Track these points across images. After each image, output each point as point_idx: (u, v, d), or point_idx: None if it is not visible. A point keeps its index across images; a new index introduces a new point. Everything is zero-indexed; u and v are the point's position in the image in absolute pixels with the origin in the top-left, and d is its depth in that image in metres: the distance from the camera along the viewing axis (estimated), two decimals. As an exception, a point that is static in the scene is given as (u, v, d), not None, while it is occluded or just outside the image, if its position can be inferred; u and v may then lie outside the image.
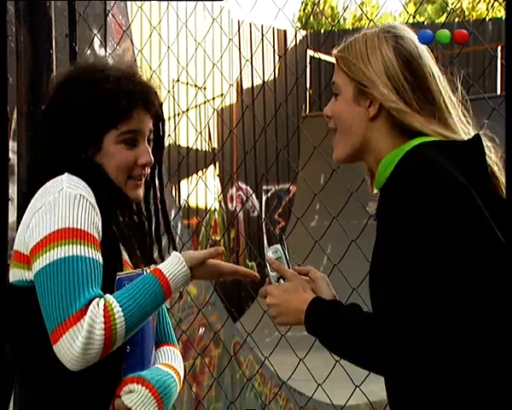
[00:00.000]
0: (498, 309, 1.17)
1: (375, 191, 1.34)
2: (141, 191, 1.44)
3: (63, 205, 1.29)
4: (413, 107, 1.27)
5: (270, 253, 1.34)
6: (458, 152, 1.24)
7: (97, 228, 1.32)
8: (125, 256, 1.41)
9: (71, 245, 1.27)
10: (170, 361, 1.45)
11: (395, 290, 1.14)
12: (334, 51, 1.35)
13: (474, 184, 1.20)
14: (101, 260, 1.30)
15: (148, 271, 1.34)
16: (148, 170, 1.45)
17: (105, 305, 1.25)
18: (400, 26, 1.35)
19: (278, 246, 1.35)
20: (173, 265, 1.34)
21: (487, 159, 1.28)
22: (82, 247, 1.27)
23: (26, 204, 1.37)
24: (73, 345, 1.23)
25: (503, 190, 1.27)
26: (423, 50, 1.32)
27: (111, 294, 1.30)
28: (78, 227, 1.28)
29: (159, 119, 1.48)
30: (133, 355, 1.36)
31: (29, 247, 1.31)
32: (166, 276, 1.32)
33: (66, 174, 1.35)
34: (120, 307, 1.26)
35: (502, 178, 1.29)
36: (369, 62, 1.29)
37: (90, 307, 1.24)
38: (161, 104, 1.48)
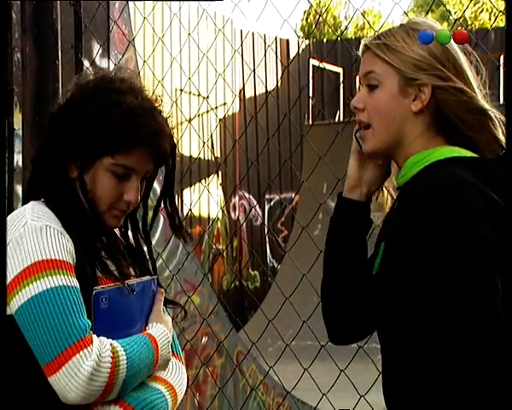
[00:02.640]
0: None
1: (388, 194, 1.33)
2: (119, 222, 1.39)
3: (30, 239, 1.25)
4: (466, 92, 1.24)
5: None
6: (491, 169, 1.22)
7: (70, 252, 1.28)
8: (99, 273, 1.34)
9: (48, 277, 1.23)
10: (165, 374, 1.39)
11: (461, 290, 1.13)
12: (368, 41, 1.30)
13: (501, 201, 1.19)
14: (78, 285, 1.26)
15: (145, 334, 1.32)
16: (131, 207, 1.38)
17: (113, 349, 1.23)
18: (432, 20, 1.33)
19: None
20: (165, 341, 1.34)
21: None
22: (61, 276, 1.24)
23: None
24: (79, 372, 1.20)
25: None
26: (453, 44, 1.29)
27: (87, 309, 1.27)
28: (51, 257, 1.25)
29: (163, 161, 1.40)
30: None
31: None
32: (159, 351, 1.32)
33: (30, 204, 1.32)
34: (127, 359, 1.25)
35: None
36: (414, 50, 1.25)
37: (96, 338, 1.22)
38: (175, 146, 1.40)
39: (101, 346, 1.22)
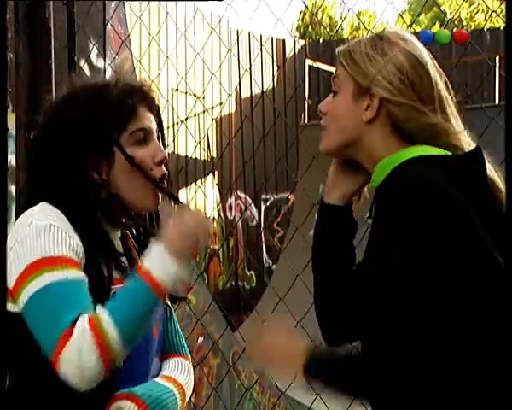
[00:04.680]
0: (495, 332, 1.16)
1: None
2: (159, 200, 1.39)
3: (33, 238, 1.27)
4: (414, 103, 1.26)
5: None
6: (458, 166, 1.23)
7: (73, 249, 1.28)
8: (116, 274, 1.36)
9: (46, 273, 1.24)
10: (174, 374, 1.41)
11: (394, 305, 1.14)
12: (339, 48, 1.34)
13: (472, 198, 1.19)
14: (82, 276, 1.26)
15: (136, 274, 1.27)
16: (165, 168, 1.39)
17: (90, 315, 1.22)
18: (405, 30, 1.35)
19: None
20: (159, 263, 1.25)
21: (488, 169, 1.27)
22: (57, 272, 1.24)
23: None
24: (68, 368, 1.20)
25: (503, 200, 1.26)
26: (429, 57, 1.31)
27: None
28: (51, 255, 1.26)
29: (159, 115, 1.45)
30: (127, 369, 1.32)
31: (10, 284, 1.29)
32: (151, 274, 1.24)
33: (40, 204, 1.33)
34: (108, 313, 1.22)
35: (502, 187, 1.28)
36: (373, 62, 1.28)
37: (77, 324, 1.22)
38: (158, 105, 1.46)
39: (81, 324, 1.21)
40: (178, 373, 1.41)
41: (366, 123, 1.28)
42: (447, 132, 1.28)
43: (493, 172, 1.29)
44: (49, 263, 1.25)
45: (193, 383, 1.44)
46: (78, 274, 1.26)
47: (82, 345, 1.20)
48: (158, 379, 1.37)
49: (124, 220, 1.43)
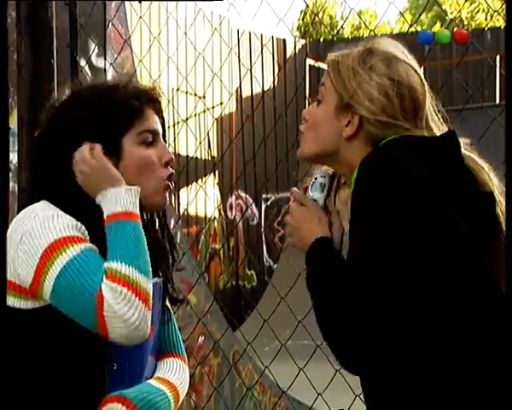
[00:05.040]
0: (457, 305, 1.16)
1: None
2: (167, 196, 1.41)
3: (41, 226, 1.28)
4: (396, 121, 1.26)
5: (318, 174, 1.34)
6: (429, 146, 1.24)
7: (80, 230, 1.30)
8: None
9: (62, 254, 1.25)
10: (168, 375, 1.40)
11: (353, 265, 1.17)
12: (329, 56, 1.33)
13: (446, 177, 1.20)
14: (89, 246, 1.28)
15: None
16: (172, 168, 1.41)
17: (104, 273, 1.24)
18: (397, 45, 1.34)
19: (329, 172, 1.34)
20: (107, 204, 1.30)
21: (463, 149, 1.27)
22: (71, 248, 1.26)
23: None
24: (119, 324, 1.22)
25: (484, 185, 1.26)
26: (417, 71, 1.31)
27: None
28: (61, 235, 1.27)
29: (163, 121, 1.46)
30: (120, 372, 1.32)
31: (28, 280, 1.29)
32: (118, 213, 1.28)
33: (41, 202, 1.33)
34: (115, 260, 1.24)
35: (482, 173, 1.28)
36: (358, 80, 1.27)
37: (101, 284, 1.23)
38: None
39: (105, 288, 1.23)
40: (172, 374, 1.41)
41: (345, 139, 1.28)
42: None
43: (468, 157, 1.28)
44: (61, 244, 1.26)
45: (188, 383, 1.44)
46: (86, 245, 1.28)
47: (115, 298, 1.21)
48: (151, 381, 1.37)
49: None
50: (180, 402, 1.40)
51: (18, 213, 1.36)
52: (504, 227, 1.25)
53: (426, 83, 1.33)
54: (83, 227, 1.31)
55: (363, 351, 1.15)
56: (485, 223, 1.24)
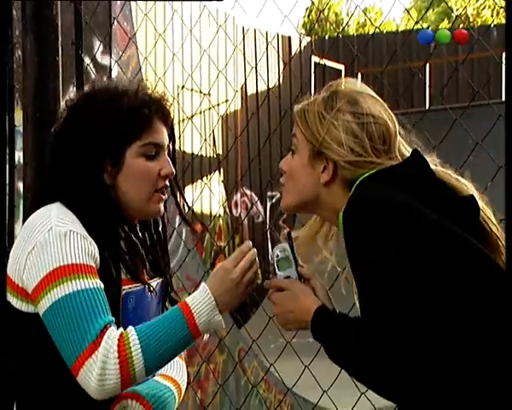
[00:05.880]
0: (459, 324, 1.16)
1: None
2: (162, 206, 1.42)
3: (54, 244, 1.28)
4: (366, 158, 1.27)
5: (277, 251, 1.33)
6: (398, 172, 1.25)
7: (92, 256, 1.30)
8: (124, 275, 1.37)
9: (70, 282, 1.26)
10: (171, 372, 1.43)
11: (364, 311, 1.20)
12: (295, 108, 1.35)
13: (424, 195, 1.21)
14: (101, 285, 1.28)
15: (178, 305, 1.31)
16: (168, 182, 1.43)
17: (121, 335, 1.24)
18: (360, 85, 1.35)
19: (286, 245, 1.33)
20: (200, 298, 1.30)
21: (433, 168, 1.28)
22: (81, 280, 1.26)
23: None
24: (90, 379, 1.23)
25: (462, 190, 1.27)
26: (379, 103, 1.32)
27: (116, 312, 1.29)
28: (73, 262, 1.27)
29: (173, 130, 1.46)
30: None
31: (29, 287, 1.30)
32: (193, 313, 1.28)
33: (55, 206, 1.33)
34: (138, 337, 1.24)
35: (452, 180, 1.29)
36: (325, 124, 1.28)
37: (104, 337, 1.23)
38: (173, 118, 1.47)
39: (109, 342, 1.23)
40: (174, 372, 1.44)
41: (323, 185, 1.30)
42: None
43: (435, 167, 1.30)
44: (72, 271, 1.26)
45: (186, 379, 1.47)
46: (99, 282, 1.28)
47: (107, 363, 1.22)
48: (157, 378, 1.40)
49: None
50: (181, 397, 1.44)
51: (24, 211, 1.37)
52: (488, 228, 1.26)
53: (391, 113, 1.34)
54: (95, 251, 1.30)
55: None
56: (472, 227, 1.24)
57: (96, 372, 1.22)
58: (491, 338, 1.15)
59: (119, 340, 1.23)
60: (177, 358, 1.46)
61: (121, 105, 1.37)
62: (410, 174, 1.25)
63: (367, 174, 1.27)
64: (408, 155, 1.32)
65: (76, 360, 1.23)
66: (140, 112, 1.37)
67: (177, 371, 1.45)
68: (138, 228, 1.45)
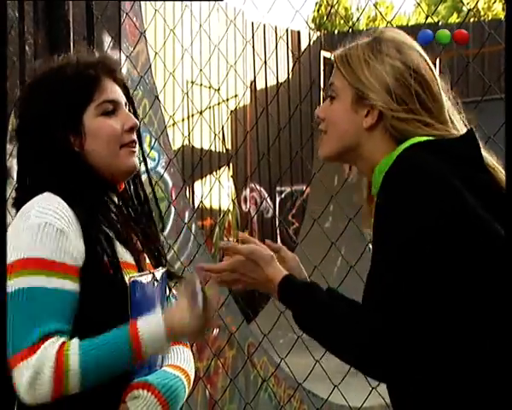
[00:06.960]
0: (487, 308, 1.15)
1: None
2: (135, 159, 1.40)
3: (25, 235, 1.26)
4: (415, 115, 1.24)
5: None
6: (450, 148, 1.22)
7: (69, 253, 1.26)
8: (126, 257, 1.35)
9: (29, 276, 1.23)
10: (179, 362, 1.43)
11: (371, 287, 1.16)
12: (335, 53, 1.32)
13: (468, 178, 1.18)
14: (73, 288, 1.25)
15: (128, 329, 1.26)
16: (135, 133, 1.40)
17: (62, 346, 1.22)
18: (404, 34, 1.32)
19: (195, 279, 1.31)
20: (151, 327, 1.27)
21: (482, 149, 1.25)
22: (42, 277, 1.23)
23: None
24: (21, 380, 1.22)
25: (502, 183, 1.24)
26: (426, 60, 1.29)
27: (125, 299, 1.29)
28: (40, 257, 1.24)
29: (127, 92, 1.45)
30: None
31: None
32: (140, 339, 1.25)
33: (45, 194, 1.30)
34: (79, 358, 1.22)
35: (498, 172, 1.26)
36: (372, 69, 1.25)
37: (45, 344, 1.22)
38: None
39: (48, 351, 1.21)
40: (183, 361, 1.44)
41: (366, 129, 1.27)
42: (443, 135, 1.26)
43: (486, 154, 1.27)
44: (35, 265, 1.24)
45: (194, 368, 1.46)
46: (66, 283, 1.25)
47: (42, 371, 1.21)
48: (166, 368, 1.40)
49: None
50: (191, 387, 1.44)
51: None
52: None
53: (434, 69, 1.30)
54: (72, 245, 1.26)
55: (395, 365, 1.16)
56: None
57: (27, 378, 1.21)
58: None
59: (58, 353, 1.21)
60: (183, 347, 1.46)
61: (65, 74, 1.37)
62: (461, 153, 1.21)
63: (416, 141, 1.22)
64: (457, 125, 1.27)
65: (13, 355, 1.22)
66: (86, 74, 1.36)
67: (185, 360, 1.44)
68: (121, 203, 1.43)
